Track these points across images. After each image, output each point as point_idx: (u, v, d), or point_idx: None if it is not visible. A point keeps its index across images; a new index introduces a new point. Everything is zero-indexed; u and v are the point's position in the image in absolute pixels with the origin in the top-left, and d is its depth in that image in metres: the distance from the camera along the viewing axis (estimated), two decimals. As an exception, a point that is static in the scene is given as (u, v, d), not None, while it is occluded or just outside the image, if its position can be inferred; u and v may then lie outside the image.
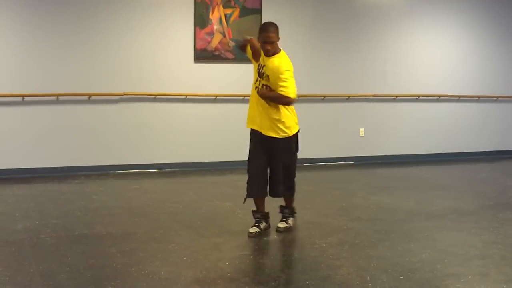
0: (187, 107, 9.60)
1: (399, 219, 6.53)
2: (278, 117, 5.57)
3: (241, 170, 9.60)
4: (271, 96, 5.52)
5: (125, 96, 9.18)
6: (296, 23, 10.12)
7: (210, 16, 9.48)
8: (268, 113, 5.59)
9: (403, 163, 10.85)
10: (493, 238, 5.80)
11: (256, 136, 5.76)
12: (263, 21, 9.64)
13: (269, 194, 5.80)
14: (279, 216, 5.95)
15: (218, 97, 9.71)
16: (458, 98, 11.48)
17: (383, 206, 7.17)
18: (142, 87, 9.28)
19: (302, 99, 9.97)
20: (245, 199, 5.81)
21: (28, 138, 8.78)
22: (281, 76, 5.41)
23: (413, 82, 11.07)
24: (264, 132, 5.65)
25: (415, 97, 11.12)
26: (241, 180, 8.86)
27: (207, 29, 9.47)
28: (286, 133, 5.63)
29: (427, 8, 11.05)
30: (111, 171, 9.19)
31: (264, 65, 5.54)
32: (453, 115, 11.54)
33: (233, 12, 9.57)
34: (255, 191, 5.76)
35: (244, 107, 9.85)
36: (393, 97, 10.85)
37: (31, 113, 8.77)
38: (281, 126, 5.60)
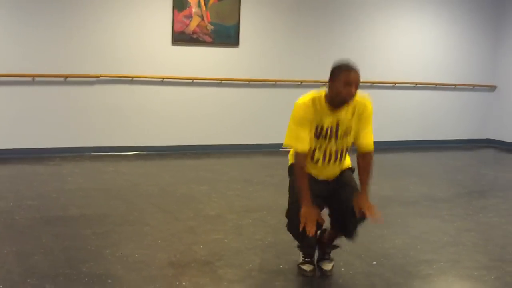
0: (164, 90, 9.54)
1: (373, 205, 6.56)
2: None
3: (217, 154, 9.71)
4: None
5: (101, 77, 9.10)
6: (275, 9, 10.06)
7: (189, -1, 9.41)
8: None
9: (379, 150, 10.76)
10: (466, 226, 5.87)
11: None
12: (242, 5, 9.70)
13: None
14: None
15: (195, 80, 9.67)
16: (434, 86, 11.55)
17: (358, 192, 7.20)
18: (119, 69, 9.20)
19: (279, 84, 10.04)
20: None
21: (2, 119, 8.67)
22: None
23: (389, 69, 11.09)
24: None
25: (392, 84, 11.16)
26: (218, 164, 8.95)
27: (185, 12, 9.40)
28: None
29: (406, -4, 11.09)
30: (87, 153, 9.12)
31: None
32: (430, 103, 11.61)
33: (212, -5, 9.51)
34: None
35: (221, 91, 9.97)
36: (369, 84, 10.86)
37: (5, 93, 8.65)
38: None
